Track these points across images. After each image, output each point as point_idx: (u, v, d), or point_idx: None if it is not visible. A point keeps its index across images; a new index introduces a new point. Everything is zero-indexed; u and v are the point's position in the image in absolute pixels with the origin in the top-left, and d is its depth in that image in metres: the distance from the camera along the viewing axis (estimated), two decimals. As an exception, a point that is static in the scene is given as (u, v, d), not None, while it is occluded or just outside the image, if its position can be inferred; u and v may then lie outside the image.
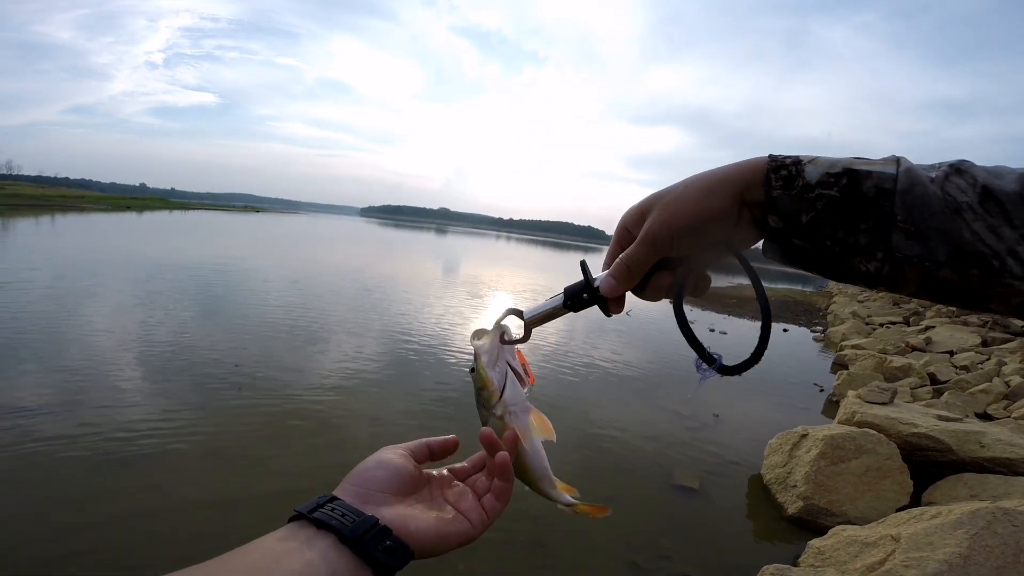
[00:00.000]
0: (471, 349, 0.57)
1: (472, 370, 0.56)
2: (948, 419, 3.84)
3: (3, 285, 7.40)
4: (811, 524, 3.08)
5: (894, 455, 3.29)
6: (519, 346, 0.57)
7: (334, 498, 0.46)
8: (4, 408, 3.43)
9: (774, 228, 0.45)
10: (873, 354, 7.69)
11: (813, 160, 0.43)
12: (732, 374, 0.49)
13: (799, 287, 34.93)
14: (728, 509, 3.31)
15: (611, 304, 0.53)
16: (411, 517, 0.47)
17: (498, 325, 0.56)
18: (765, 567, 2.27)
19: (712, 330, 9.99)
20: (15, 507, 2.49)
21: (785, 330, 11.78)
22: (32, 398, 3.65)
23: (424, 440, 0.56)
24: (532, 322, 0.55)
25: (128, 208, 43.59)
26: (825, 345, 10.22)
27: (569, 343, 7.44)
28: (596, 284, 0.52)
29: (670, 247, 0.48)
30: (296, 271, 12.39)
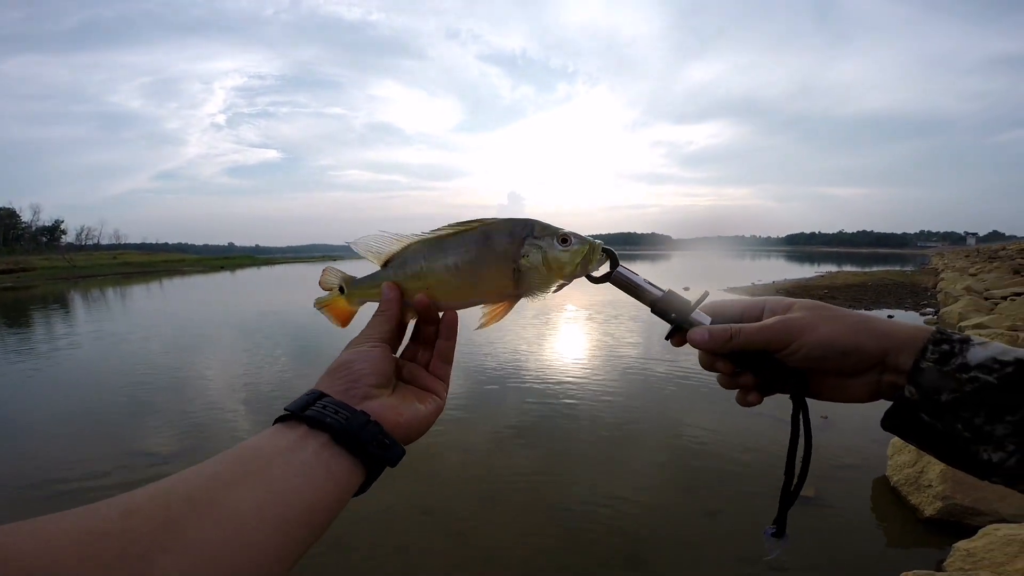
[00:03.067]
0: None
1: (566, 240, 0.53)
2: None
3: (146, 338, 8.44)
4: (955, 525, 2.74)
5: (1049, 443, 2.88)
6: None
7: (323, 395, 0.44)
8: (138, 453, 3.89)
9: (906, 399, 0.44)
10: (1001, 332, 6.78)
11: (985, 343, 0.42)
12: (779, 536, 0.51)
13: (897, 267, 31.81)
14: (851, 516, 3.02)
15: (676, 339, 0.54)
16: (396, 407, 0.46)
17: (598, 258, 0.55)
18: (904, 574, 2.05)
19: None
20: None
21: (890, 316, 10.71)
22: (160, 445, 4.10)
23: (388, 320, 0.53)
24: (616, 280, 0.55)
25: (222, 268, 48.02)
26: (940, 328, 9.18)
27: (652, 352, 7.23)
28: (691, 318, 0.52)
29: (784, 348, 0.48)
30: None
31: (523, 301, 0.56)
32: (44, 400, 5.64)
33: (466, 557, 2.71)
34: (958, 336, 0.43)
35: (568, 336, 8.65)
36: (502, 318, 0.55)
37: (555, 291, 0.55)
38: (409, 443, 0.47)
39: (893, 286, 16.67)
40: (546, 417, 4.64)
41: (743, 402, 0.53)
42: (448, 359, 0.54)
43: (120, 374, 6.56)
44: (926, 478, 3.00)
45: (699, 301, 0.53)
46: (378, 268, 0.57)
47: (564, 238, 0.53)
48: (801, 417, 0.50)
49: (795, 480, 0.51)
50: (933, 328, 0.44)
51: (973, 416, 0.40)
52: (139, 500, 0.32)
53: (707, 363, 0.53)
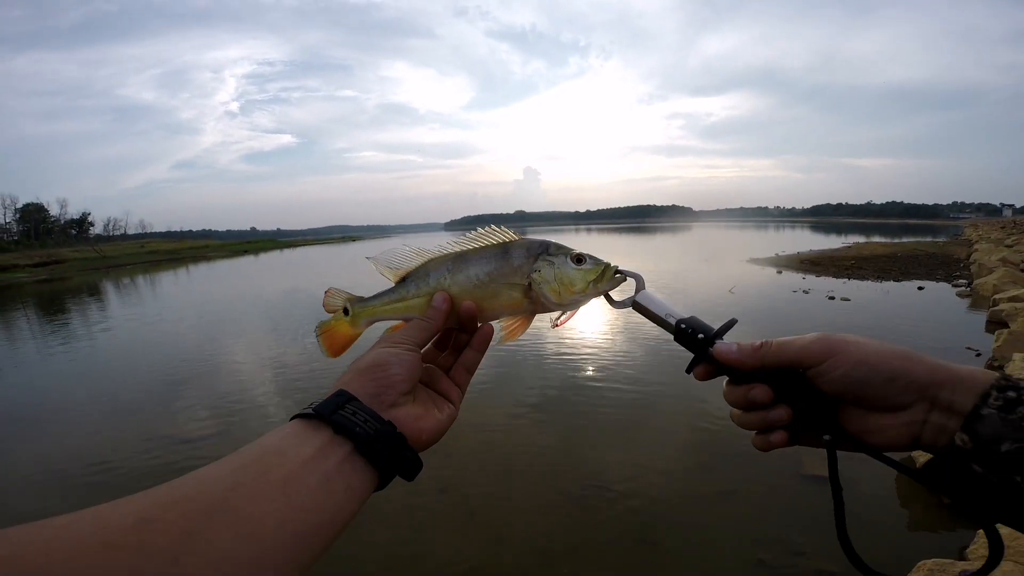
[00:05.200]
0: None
1: (580, 259, 0.55)
2: None
3: (178, 321, 8.71)
4: (982, 511, 2.68)
5: (1085, 424, 2.77)
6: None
7: (352, 397, 0.43)
8: (173, 438, 4.04)
9: (956, 447, 0.40)
10: (1039, 305, 6.53)
11: None
12: None
13: (928, 238, 30.62)
14: (874, 499, 2.97)
15: (701, 368, 0.51)
16: (419, 418, 0.47)
17: (616, 282, 0.56)
18: (922, 562, 2.01)
19: (832, 298, 9.08)
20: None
21: (920, 288, 10.30)
22: (193, 428, 4.26)
23: (430, 329, 0.53)
24: (638, 306, 0.55)
25: (245, 252, 49.02)
26: (973, 302, 8.81)
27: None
28: (717, 339, 0.50)
29: (820, 364, 0.45)
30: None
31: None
32: (82, 385, 5.88)
33: (480, 533, 2.76)
34: None
35: (588, 312, 8.61)
36: (520, 334, 0.57)
37: (570, 311, 0.56)
38: (422, 451, 0.47)
39: (924, 257, 16.10)
40: (564, 393, 4.65)
41: (764, 444, 0.49)
42: (472, 370, 0.56)
43: (154, 357, 6.79)
44: (952, 460, 2.92)
45: (726, 327, 0.51)
46: (392, 284, 0.58)
47: (579, 257, 0.55)
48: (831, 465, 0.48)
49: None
50: (996, 373, 0.42)
51: None
52: (155, 508, 0.31)
53: (734, 396, 0.49)
